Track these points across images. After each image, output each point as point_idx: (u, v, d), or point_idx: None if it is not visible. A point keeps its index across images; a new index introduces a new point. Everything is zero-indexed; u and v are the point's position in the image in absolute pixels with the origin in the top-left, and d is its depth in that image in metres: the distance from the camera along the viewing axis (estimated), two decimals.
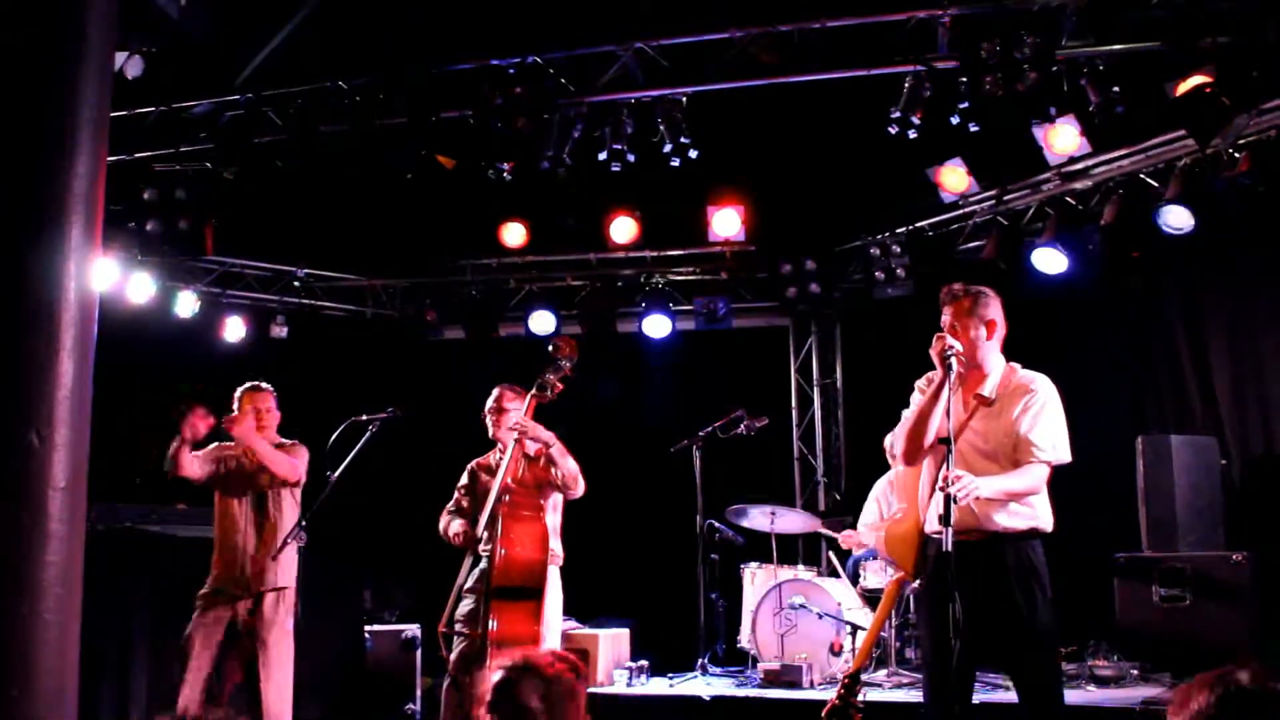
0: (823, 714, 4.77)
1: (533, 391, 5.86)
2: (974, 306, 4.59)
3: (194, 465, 6.11)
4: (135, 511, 8.01)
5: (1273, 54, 6.60)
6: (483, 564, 5.70)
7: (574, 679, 2.74)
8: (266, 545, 6.06)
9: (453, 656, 5.74)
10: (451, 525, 6.01)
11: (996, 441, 4.53)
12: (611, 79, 8.03)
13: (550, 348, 5.93)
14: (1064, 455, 4.54)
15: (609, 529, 10.45)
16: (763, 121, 8.72)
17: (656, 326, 10.33)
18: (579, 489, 5.93)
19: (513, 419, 5.89)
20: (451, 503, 6.19)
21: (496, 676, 2.72)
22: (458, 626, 5.72)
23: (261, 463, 6.05)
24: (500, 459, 5.98)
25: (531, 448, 5.89)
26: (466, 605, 5.75)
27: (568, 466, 5.85)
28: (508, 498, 5.67)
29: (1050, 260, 8.44)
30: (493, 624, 5.46)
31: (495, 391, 6.14)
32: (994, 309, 4.64)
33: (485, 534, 5.70)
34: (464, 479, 6.22)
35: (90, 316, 2.71)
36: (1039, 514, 4.56)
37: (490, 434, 6.10)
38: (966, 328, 4.56)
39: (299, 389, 7.54)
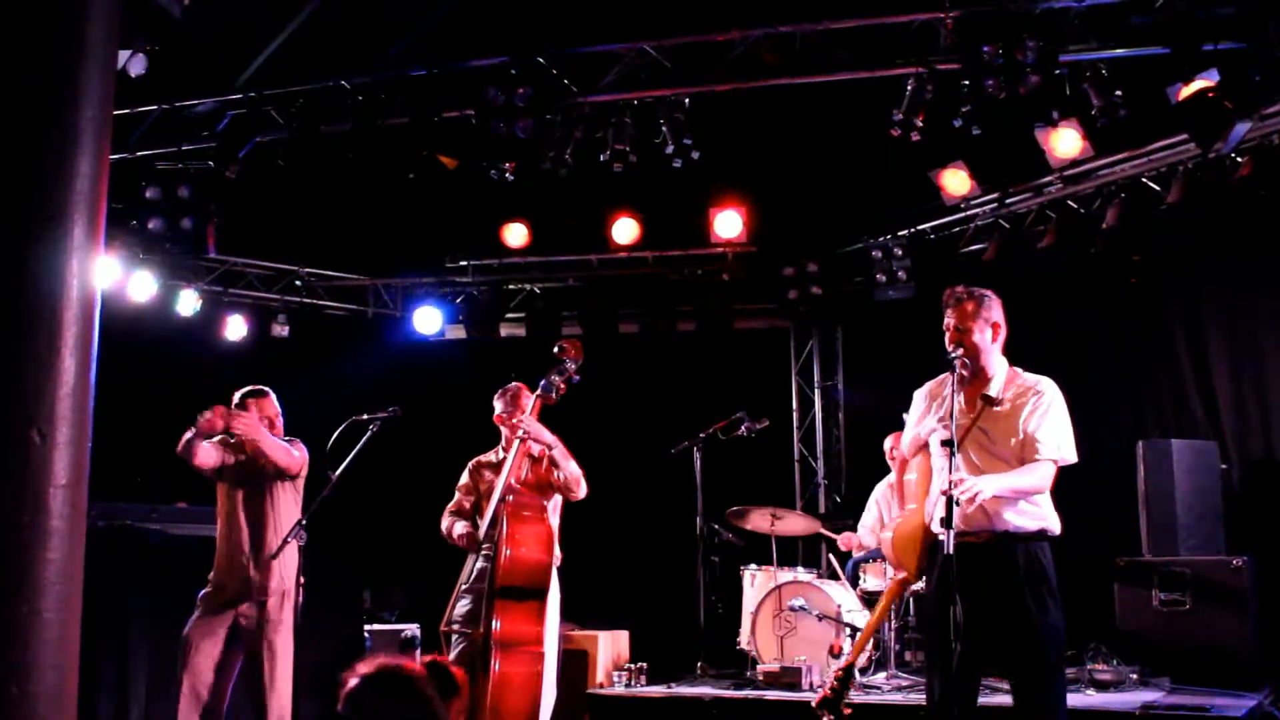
0: (814, 704, 4.78)
1: (538, 393, 5.84)
2: (979, 309, 4.64)
3: (207, 455, 6.10)
4: (136, 510, 8.00)
5: (1275, 59, 6.60)
6: (481, 563, 5.69)
7: (433, 697, 2.61)
8: (267, 543, 6.05)
9: (452, 656, 5.71)
10: (455, 527, 5.97)
11: (1004, 442, 4.58)
12: (614, 79, 8.04)
13: (556, 349, 5.91)
14: (1070, 455, 4.58)
15: (609, 530, 10.44)
16: (765, 123, 8.72)
17: (656, 328, 10.33)
18: (581, 492, 5.90)
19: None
20: (453, 503, 6.16)
21: (351, 683, 2.60)
22: (456, 626, 5.70)
23: (264, 453, 6.03)
24: (504, 456, 5.95)
25: (535, 448, 5.88)
26: (466, 605, 5.74)
27: (570, 469, 5.82)
28: (511, 498, 5.63)
29: (1049, 264, 8.44)
30: (496, 624, 5.42)
31: (511, 388, 6.10)
32: (998, 311, 4.70)
33: (487, 533, 5.67)
34: (464, 477, 6.19)
35: (92, 315, 2.71)
36: (1047, 515, 4.59)
37: (505, 432, 6.05)
38: (971, 330, 4.61)
39: (300, 388, 7.54)
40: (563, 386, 5.82)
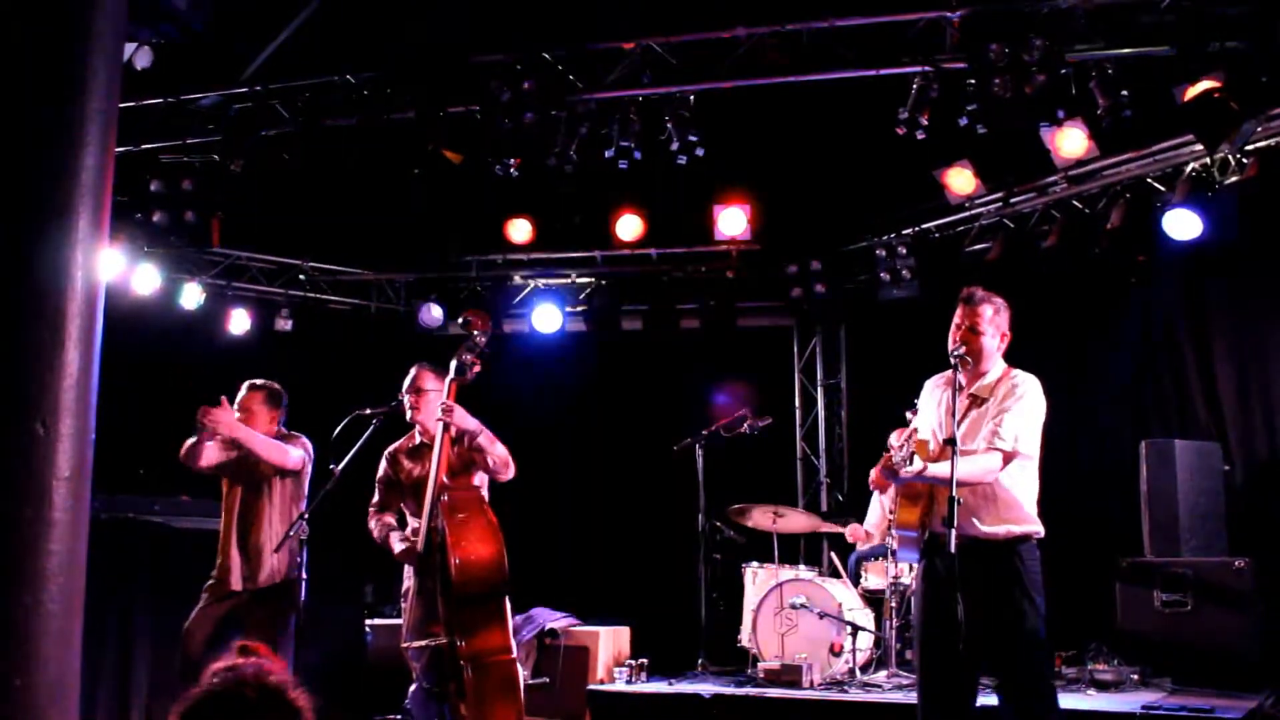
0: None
1: (451, 375, 5.55)
2: (996, 315, 4.76)
3: (208, 455, 6.12)
4: (138, 502, 8.02)
5: None
6: (430, 561, 5.42)
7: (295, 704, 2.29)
8: (266, 537, 6.07)
9: (419, 665, 5.55)
10: (393, 540, 5.66)
11: (977, 438, 4.65)
12: (619, 76, 8.03)
13: (461, 321, 5.63)
14: (1024, 448, 4.60)
15: (611, 527, 10.48)
16: (770, 121, 8.71)
17: (661, 325, 10.32)
18: (509, 473, 5.65)
19: (432, 401, 5.64)
20: (376, 499, 5.90)
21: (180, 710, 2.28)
22: (414, 644, 5.48)
23: (251, 450, 6.04)
24: (419, 441, 5.80)
25: (453, 430, 5.59)
26: (420, 610, 5.50)
27: (497, 452, 5.57)
28: (445, 497, 5.36)
29: (1055, 264, 8.43)
30: (461, 641, 5.20)
31: (412, 371, 5.87)
32: (1008, 321, 4.80)
33: (427, 534, 5.42)
34: (383, 468, 5.91)
35: (96, 307, 2.70)
36: (1022, 518, 4.61)
37: (409, 418, 5.83)
38: (983, 334, 4.71)
39: (304, 383, 7.55)
40: (476, 364, 5.54)
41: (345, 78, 8.34)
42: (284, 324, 10.52)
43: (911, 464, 4.37)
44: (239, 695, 2.27)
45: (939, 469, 4.43)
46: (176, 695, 2.31)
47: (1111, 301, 9.11)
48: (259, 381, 6.34)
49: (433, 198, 9.61)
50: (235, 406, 6.19)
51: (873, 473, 4.75)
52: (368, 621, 8.62)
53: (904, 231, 9.57)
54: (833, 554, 9.16)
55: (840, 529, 8.73)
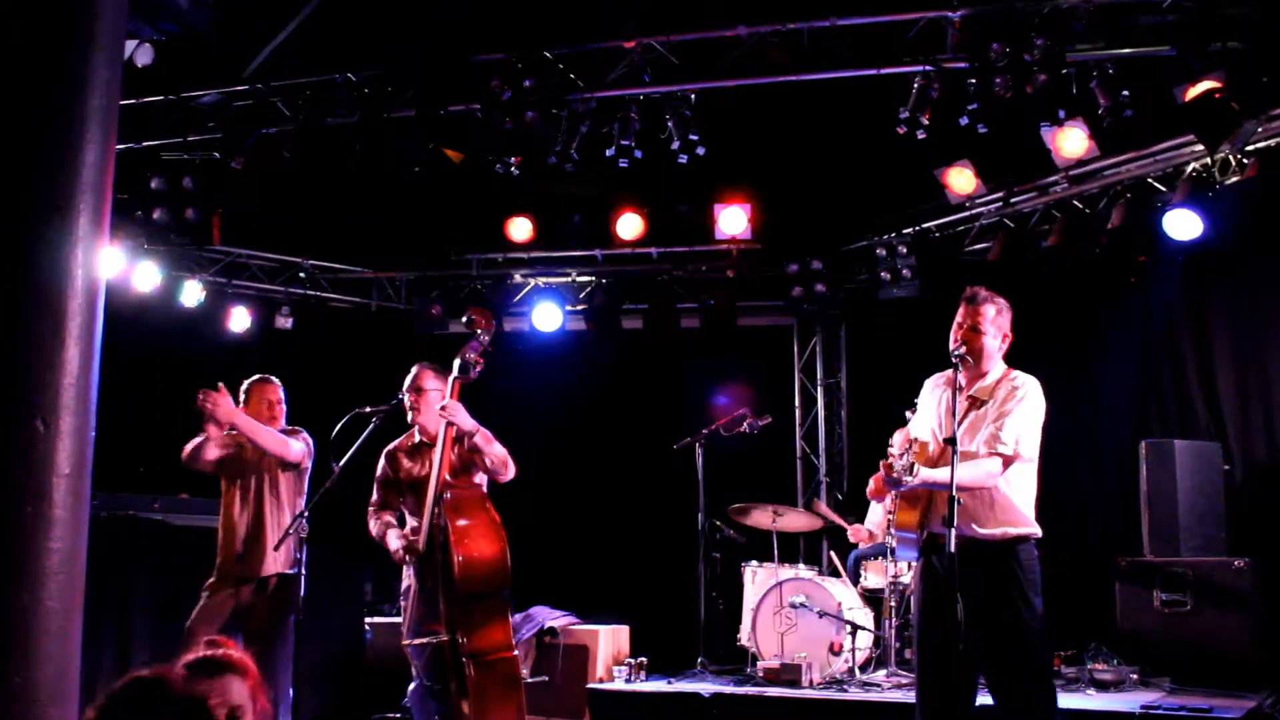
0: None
1: (454, 374, 5.57)
2: (998, 316, 4.78)
3: (210, 452, 6.13)
4: (138, 500, 8.03)
5: None
6: (432, 559, 5.41)
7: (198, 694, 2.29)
8: (266, 532, 6.07)
9: (420, 663, 5.54)
10: (390, 538, 5.64)
11: (977, 438, 4.65)
12: (620, 75, 8.02)
13: (465, 320, 5.63)
14: (1025, 451, 4.62)
15: (611, 526, 10.48)
16: (771, 120, 8.71)
17: (661, 324, 10.31)
18: (509, 473, 5.64)
19: (433, 400, 5.65)
20: (375, 498, 5.88)
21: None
22: (414, 641, 5.48)
23: (250, 439, 6.05)
24: (418, 440, 5.80)
25: (454, 431, 5.60)
26: (421, 608, 5.49)
27: (495, 452, 5.56)
28: (448, 495, 5.36)
29: (1056, 264, 8.42)
30: (463, 638, 5.19)
31: (413, 371, 5.87)
32: (1010, 321, 4.81)
33: (430, 532, 5.40)
34: (382, 466, 5.90)
35: (96, 304, 2.70)
36: (1018, 519, 4.62)
37: (409, 419, 5.84)
38: (985, 334, 4.72)
39: (304, 380, 7.55)
40: (480, 362, 5.54)
41: (346, 76, 8.33)
42: (284, 322, 10.53)
43: (912, 473, 4.37)
44: (160, 689, 2.30)
45: (939, 475, 4.42)
46: None
47: (1111, 301, 9.11)
48: (259, 376, 6.35)
49: (433, 197, 9.60)
50: (240, 401, 6.21)
51: (871, 482, 4.76)
52: (367, 620, 8.63)
53: (904, 231, 9.56)
54: (832, 553, 9.16)
55: (845, 525, 8.73)
